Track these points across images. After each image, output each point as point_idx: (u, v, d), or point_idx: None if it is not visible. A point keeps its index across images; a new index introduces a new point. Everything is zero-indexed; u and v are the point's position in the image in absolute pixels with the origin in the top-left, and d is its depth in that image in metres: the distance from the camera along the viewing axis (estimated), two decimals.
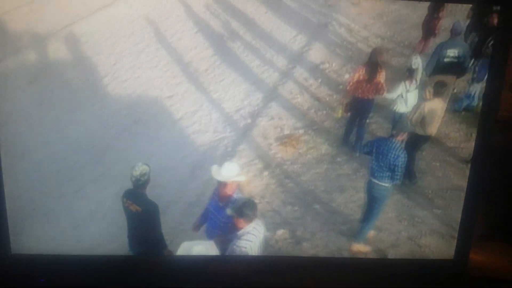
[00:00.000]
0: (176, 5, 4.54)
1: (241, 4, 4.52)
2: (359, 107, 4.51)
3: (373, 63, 4.31)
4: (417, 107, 4.33)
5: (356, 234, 4.33)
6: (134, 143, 4.31)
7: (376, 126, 4.72)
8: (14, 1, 3.88)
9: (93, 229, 4.16)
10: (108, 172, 4.21)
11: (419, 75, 4.46)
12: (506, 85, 3.92)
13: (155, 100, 4.39)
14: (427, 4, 4.58)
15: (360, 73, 4.36)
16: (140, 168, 3.67)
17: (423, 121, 4.34)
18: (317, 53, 4.84)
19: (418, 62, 4.43)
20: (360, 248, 4.33)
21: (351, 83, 4.45)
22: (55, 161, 3.95)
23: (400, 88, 4.40)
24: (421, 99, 4.34)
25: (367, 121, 4.65)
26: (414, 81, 4.37)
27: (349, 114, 4.57)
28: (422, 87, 4.37)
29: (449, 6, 4.55)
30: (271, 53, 4.73)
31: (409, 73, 4.40)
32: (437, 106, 4.34)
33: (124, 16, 4.41)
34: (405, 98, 4.40)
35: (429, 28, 4.72)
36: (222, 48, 4.61)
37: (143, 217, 3.79)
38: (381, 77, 4.33)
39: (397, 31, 4.81)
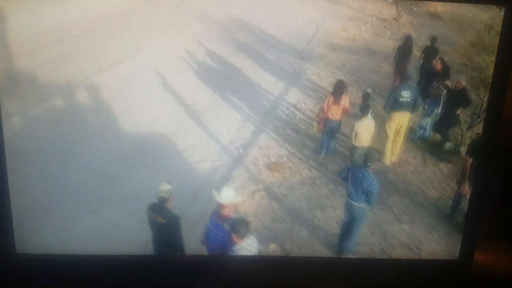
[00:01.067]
0: (178, 60, 5.19)
1: (232, 58, 5.20)
2: (330, 126, 5.14)
3: (338, 91, 4.96)
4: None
5: (342, 250, 4.66)
6: (142, 171, 4.76)
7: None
8: (38, 59, 4.49)
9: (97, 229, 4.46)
10: (118, 195, 4.65)
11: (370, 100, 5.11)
12: (510, 86, 3.83)
13: (161, 136, 4.90)
14: (383, 54, 5.28)
15: (329, 100, 5.06)
16: (165, 187, 4.16)
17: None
18: (294, 96, 5.47)
19: (370, 90, 5.14)
20: None
21: (324, 108, 5.10)
22: (72, 186, 4.44)
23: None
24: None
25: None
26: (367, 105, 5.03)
27: (322, 131, 5.18)
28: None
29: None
30: (257, 96, 5.34)
31: (364, 98, 5.10)
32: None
33: (134, 69, 5.05)
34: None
35: (401, 72, 5.33)
36: (218, 92, 5.19)
37: (167, 228, 4.22)
38: (346, 101, 5.00)
39: (359, 77, 5.46)
